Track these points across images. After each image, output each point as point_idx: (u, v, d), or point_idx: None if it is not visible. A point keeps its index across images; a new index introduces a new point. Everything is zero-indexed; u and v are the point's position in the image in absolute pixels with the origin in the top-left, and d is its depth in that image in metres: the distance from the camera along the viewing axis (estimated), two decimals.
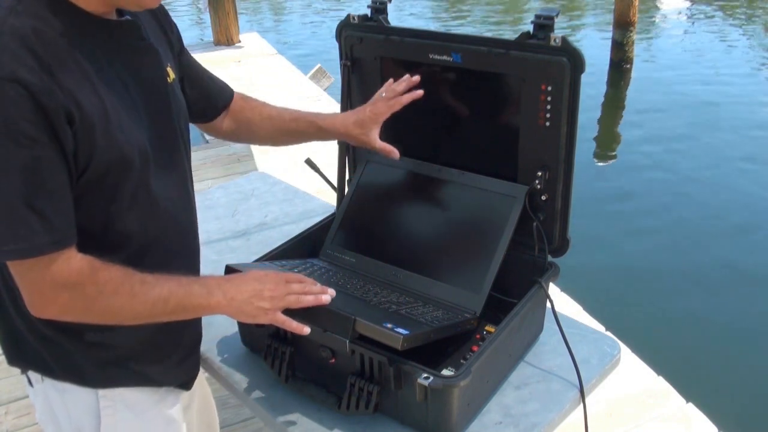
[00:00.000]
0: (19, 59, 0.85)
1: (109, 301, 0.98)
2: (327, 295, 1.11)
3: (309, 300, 1.10)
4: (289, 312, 1.09)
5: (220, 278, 1.09)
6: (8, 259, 0.93)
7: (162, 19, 1.17)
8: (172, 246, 1.12)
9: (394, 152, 1.37)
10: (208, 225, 1.86)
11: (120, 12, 1.04)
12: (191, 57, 1.29)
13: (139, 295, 1.00)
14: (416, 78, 1.37)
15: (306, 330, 1.08)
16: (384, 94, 1.37)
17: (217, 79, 1.36)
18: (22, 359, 1.12)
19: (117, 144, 0.96)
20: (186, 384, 1.24)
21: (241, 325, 1.35)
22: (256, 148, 4.43)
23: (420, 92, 1.36)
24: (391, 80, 1.39)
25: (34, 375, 1.13)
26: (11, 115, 0.84)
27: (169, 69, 1.12)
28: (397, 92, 1.37)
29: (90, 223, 0.98)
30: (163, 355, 1.17)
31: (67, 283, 0.94)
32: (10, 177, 0.86)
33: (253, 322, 1.10)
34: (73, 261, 0.94)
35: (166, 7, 1.20)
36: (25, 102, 0.85)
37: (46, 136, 0.87)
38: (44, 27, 0.89)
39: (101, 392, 1.11)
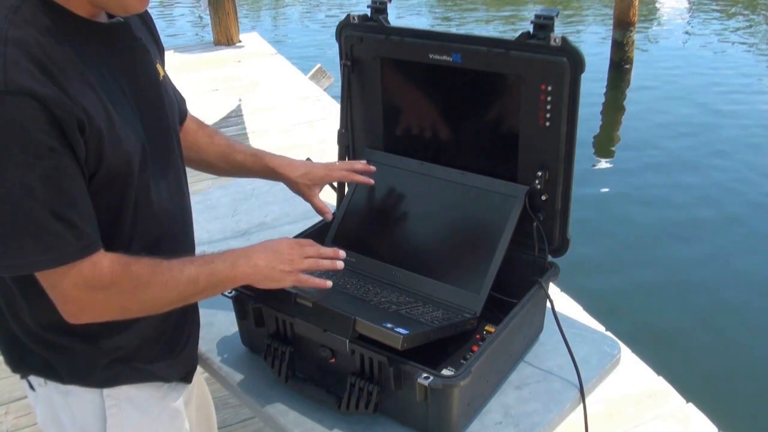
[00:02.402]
0: (27, 71, 0.85)
1: (144, 292, 1.00)
2: (341, 262, 1.16)
3: (326, 264, 1.15)
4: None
5: (239, 250, 1.11)
6: (41, 269, 0.92)
7: (146, 16, 1.17)
8: (171, 245, 1.13)
9: (328, 213, 1.45)
10: (208, 225, 1.86)
11: (110, 14, 1.04)
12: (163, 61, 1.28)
13: (170, 282, 1.01)
14: (373, 168, 1.46)
15: (328, 284, 1.13)
16: (337, 164, 1.47)
17: (178, 93, 1.33)
18: (24, 366, 1.11)
19: (121, 149, 0.96)
20: (187, 377, 1.24)
21: (240, 324, 1.35)
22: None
23: (371, 181, 1.45)
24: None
25: (36, 379, 1.12)
26: (28, 127, 0.85)
27: (158, 66, 1.13)
28: (354, 168, 1.45)
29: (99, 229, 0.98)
30: (166, 350, 1.17)
31: (103, 283, 0.95)
32: (34, 188, 0.87)
33: (278, 287, 1.12)
34: (104, 261, 0.95)
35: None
36: (39, 114, 0.85)
37: (63, 146, 0.88)
38: (44, 36, 0.89)
39: (106, 392, 1.11)
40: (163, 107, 1.11)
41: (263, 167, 1.41)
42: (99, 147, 0.93)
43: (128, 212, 1.02)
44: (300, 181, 1.42)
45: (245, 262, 1.08)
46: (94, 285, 0.95)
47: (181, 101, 1.33)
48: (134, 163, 0.99)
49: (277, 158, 1.43)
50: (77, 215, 0.91)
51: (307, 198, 1.44)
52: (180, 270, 1.02)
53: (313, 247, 1.15)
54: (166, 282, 1.01)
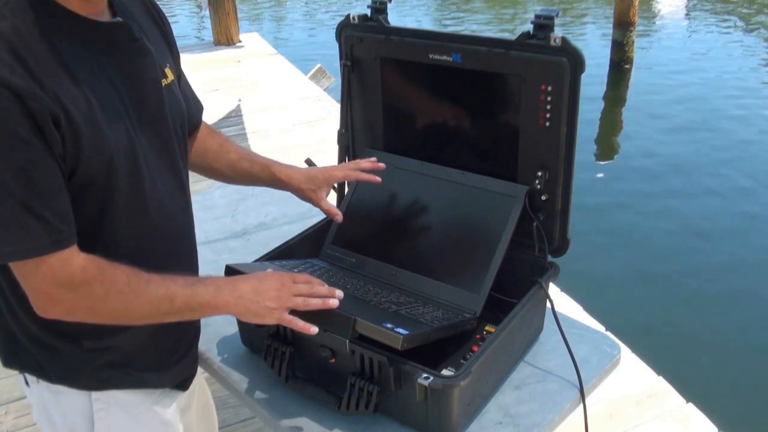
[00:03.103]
0: (3, 62, 0.84)
1: (115, 300, 0.98)
2: (335, 299, 1.10)
3: (316, 303, 1.08)
4: (292, 311, 1.09)
5: (227, 278, 1.09)
6: (9, 261, 0.92)
7: (157, 17, 1.16)
8: (168, 249, 1.12)
9: (339, 215, 1.42)
10: (207, 225, 1.86)
11: (113, 12, 1.03)
12: (180, 67, 1.26)
13: (145, 294, 0.99)
14: (382, 165, 1.43)
15: (313, 330, 1.07)
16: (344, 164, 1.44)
17: (195, 97, 1.31)
18: (16, 362, 1.11)
19: (104, 147, 0.95)
20: (182, 385, 1.23)
21: (240, 324, 1.35)
22: (256, 148, 4.43)
23: (378, 179, 1.41)
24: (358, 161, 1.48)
25: (29, 376, 1.12)
26: (2, 118, 0.84)
27: (167, 70, 1.11)
28: (360, 167, 1.43)
29: (83, 231, 0.97)
30: (159, 358, 1.16)
31: (72, 282, 0.94)
32: (6, 180, 0.86)
33: (260, 322, 1.09)
34: (76, 260, 0.94)
35: (167, 7, 1.19)
36: (13, 105, 0.84)
37: (37, 138, 0.87)
38: (29, 30, 0.88)
39: (94, 395, 1.11)
40: (163, 110, 1.09)
41: (270, 176, 1.40)
42: (77, 143, 0.91)
43: (116, 212, 1.00)
44: (304, 187, 1.40)
45: (230, 292, 1.05)
46: (63, 282, 0.93)
47: (197, 109, 1.31)
48: (119, 163, 0.98)
49: (284, 168, 1.41)
50: (49, 209, 0.90)
51: (315, 203, 1.42)
52: (158, 285, 1.00)
53: (306, 285, 1.10)
54: (140, 294, 0.99)
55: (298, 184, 1.40)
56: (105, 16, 1.01)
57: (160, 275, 1.01)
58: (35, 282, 0.94)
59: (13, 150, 0.85)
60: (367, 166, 1.43)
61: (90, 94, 0.94)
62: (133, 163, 1.01)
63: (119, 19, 1.02)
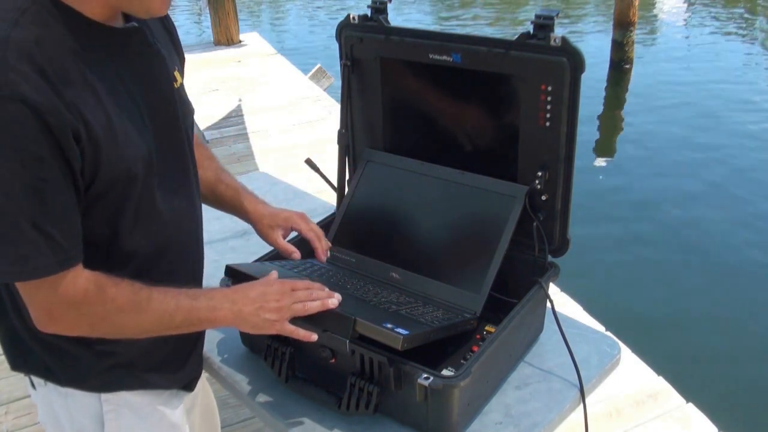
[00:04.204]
0: (23, 76, 0.83)
1: (116, 317, 0.99)
2: (334, 299, 1.10)
3: (315, 306, 1.09)
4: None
5: (226, 291, 1.09)
6: (15, 280, 0.93)
7: (165, 21, 1.16)
8: (177, 255, 1.12)
9: (297, 253, 1.38)
10: (208, 225, 1.83)
11: (126, 17, 1.02)
12: (184, 70, 1.25)
13: (145, 312, 0.99)
14: (324, 258, 1.41)
15: (314, 337, 1.08)
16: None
17: (188, 100, 1.30)
18: (24, 365, 1.11)
19: (122, 159, 0.95)
20: (189, 385, 1.23)
21: None
22: (256, 148, 4.44)
23: (323, 260, 1.40)
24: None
25: (36, 379, 1.12)
26: (16, 134, 0.83)
27: (176, 74, 1.11)
28: (319, 235, 1.41)
29: (95, 238, 0.97)
30: (166, 359, 1.16)
31: (75, 301, 0.94)
32: (16, 197, 0.85)
33: (262, 333, 1.09)
34: (79, 280, 0.94)
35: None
36: (30, 121, 0.83)
37: (52, 156, 0.86)
38: (48, 39, 0.87)
39: (104, 396, 1.11)
40: (176, 115, 1.09)
41: (239, 203, 1.38)
42: (96, 155, 0.91)
43: (128, 220, 1.00)
44: (265, 222, 1.38)
45: (229, 307, 1.05)
46: (65, 301, 0.93)
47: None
48: (136, 172, 0.97)
49: (252, 198, 1.39)
50: (58, 228, 0.89)
51: (270, 241, 1.39)
52: (159, 302, 1.00)
53: (305, 291, 1.10)
54: (141, 311, 0.99)
55: (258, 218, 1.38)
56: (119, 22, 1.00)
57: (161, 290, 1.01)
58: (38, 299, 0.94)
59: (26, 168, 0.85)
60: (325, 245, 1.41)
61: (108, 103, 0.93)
62: (149, 170, 1.00)
63: (134, 24, 1.01)
